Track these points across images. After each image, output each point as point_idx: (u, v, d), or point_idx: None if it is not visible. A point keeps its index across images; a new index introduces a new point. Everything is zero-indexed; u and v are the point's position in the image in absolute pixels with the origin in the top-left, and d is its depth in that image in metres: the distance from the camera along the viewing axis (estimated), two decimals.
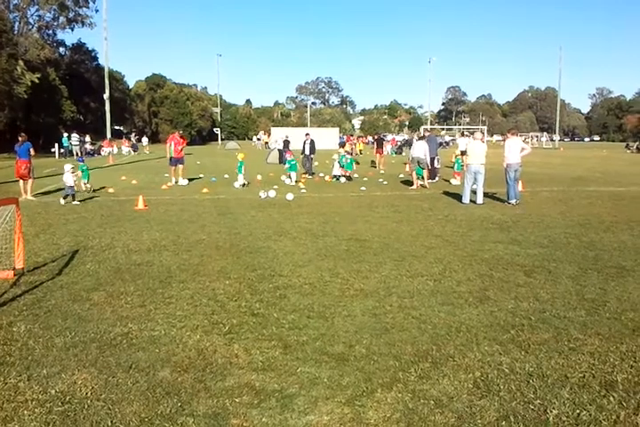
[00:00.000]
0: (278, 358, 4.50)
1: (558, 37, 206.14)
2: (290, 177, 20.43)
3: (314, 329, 5.15)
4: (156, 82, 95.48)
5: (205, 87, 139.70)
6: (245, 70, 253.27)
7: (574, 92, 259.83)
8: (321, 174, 23.33)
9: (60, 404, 3.78)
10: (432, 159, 20.34)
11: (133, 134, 64.43)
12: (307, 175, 22.91)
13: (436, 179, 20.92)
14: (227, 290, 6.41)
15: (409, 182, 20.05)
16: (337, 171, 21.67)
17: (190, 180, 20.36)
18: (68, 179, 14.50)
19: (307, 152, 23.89)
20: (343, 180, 21.20)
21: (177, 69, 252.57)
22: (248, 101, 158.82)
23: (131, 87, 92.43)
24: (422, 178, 19.09)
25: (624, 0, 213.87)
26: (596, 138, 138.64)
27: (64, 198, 14.30)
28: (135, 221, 11.32)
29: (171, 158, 19.96)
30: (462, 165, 19.50)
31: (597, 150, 61.99)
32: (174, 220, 11.58)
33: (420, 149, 18.86)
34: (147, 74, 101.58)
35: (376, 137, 37.77)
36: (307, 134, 24.83)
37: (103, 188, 17.97)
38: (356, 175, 23.24)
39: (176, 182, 19.58)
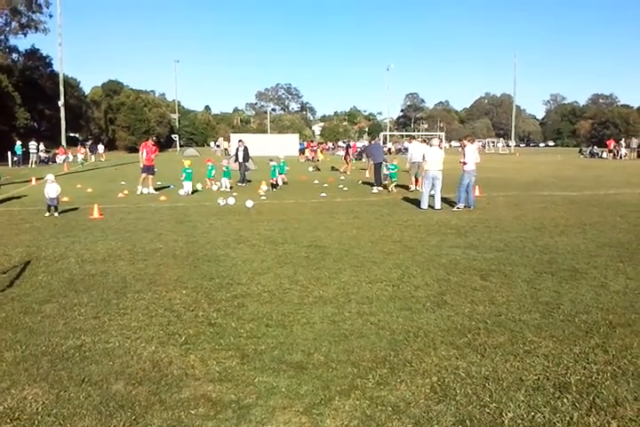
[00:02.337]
0: (235, 368, 4.45)
1: (513, 45, 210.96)
2: (220, 183, 20.27)
3: (272, 338, 5.11)
4: (112, 88, 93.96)
5: (163, 93, 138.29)
6: (204, 76, 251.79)
7: (529, 98, 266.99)
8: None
9: (8, 420, 3.65)
10: (379, 164, 20.82)
11: (90, 142, 63.24)
12: (241, 184, 22.14)
13: (381, 187, 20.50)
14: (183, 300, 6.31)
15: (369, 188, 20.29)
16: (277, 179, 21.14)
17: (157, 189, 19.67)
18: (50, 190, 13.39)
19: (240, 159, 22.99)
20: (264, 188, 20.36)
21: (134, 76, 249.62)
22: (207, 108, 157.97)
23: (86, 94, 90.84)
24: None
25: (576, 9, 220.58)
26: (551, 143, 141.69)
27: (57, 213, 13.41)
28: (90, 231, 11.09)
29: (143, 166, 19.41)
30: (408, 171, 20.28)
31: (552, 155, 63.45)
32: (130, 228, 11.38)
33: (419, 153, 18.99)
34: (103, 80, 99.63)
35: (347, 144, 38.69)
36: (240, 141, 24.19)
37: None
38: (316, 181, 23.36)
39: (141, 192, 18.86)
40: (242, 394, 4.00)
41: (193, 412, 3.74)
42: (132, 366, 4.50)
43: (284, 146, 54.48)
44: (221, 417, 3.68)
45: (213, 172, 21.08)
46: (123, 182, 22.78)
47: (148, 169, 19.28)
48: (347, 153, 33.52)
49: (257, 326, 5.41)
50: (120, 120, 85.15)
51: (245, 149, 23.10)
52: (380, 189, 20.03)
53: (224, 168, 20.61)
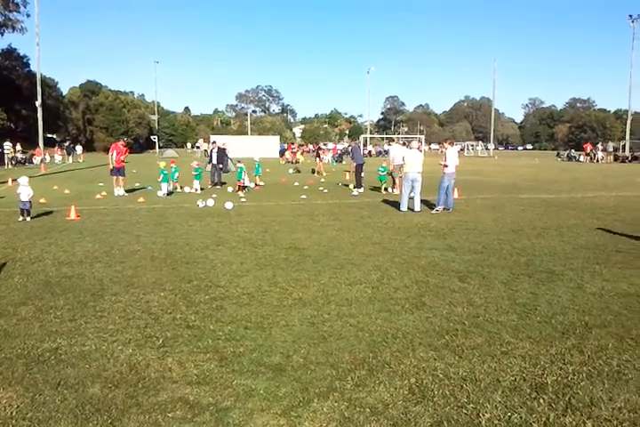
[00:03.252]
0: (213, 370, 4.42)
1: (493, 49, 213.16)
2: (191, 186, 20.21)
3: (251, 340, 5.08)
4: (90, 89, 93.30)
5: (142, 94, 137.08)
6: (184, 78, 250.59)
7: (508, 102, 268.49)
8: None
9: None
10: (360, 166, 20.97)
11: (67, 143, 62.54)
12: (214, 186, 21.91)
13: (362, 189, 20.61)
14: (161, 302, 6.26)
15: (349, 190, 20.35)
16: (245, 181, 20.86)
17: (128, 191, 19.43)
18: (22, 193, 12.84)
19: (214, 161, 22.74)
20: (229, 189, 20.44)
21: (113, 76, 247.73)
22: (187, 109, 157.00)
23: (64, 94, 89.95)
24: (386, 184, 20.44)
25: (554, 14, 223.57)
26: (529, 147, 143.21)
27: (29, 216, 12.80)
28: (67, 233, 10.96)
29: (112, 168, 19.18)
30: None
31: (530, 159, 64.08)
32: (108, 230, 11.27)
33: (400, 156, 19.07)
34: (81, 81, 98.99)
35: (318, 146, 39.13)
36: (213, 142, 24.05)
37: None
38: (296, 183, 23.37)
39: (118, 194, 18.66)
40: (220, 397, 3.97)
41: (170, 415, 3.71)
42: (109, 369, 4.45)
43: (264, 148, 54.53)
44: (199, 420, 3.65)
45: (177, 174, 20.44)
46: (100, 184, 22.55)
47: (119, 171, 19.10)
48: (317, 155, 34.32)
49: (235, 329, 5.39)
50: (98, 121, 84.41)
51: (219, 151, 22.80)
52: (361, 191, 20.10)
53: (194, 171, 20.32)
